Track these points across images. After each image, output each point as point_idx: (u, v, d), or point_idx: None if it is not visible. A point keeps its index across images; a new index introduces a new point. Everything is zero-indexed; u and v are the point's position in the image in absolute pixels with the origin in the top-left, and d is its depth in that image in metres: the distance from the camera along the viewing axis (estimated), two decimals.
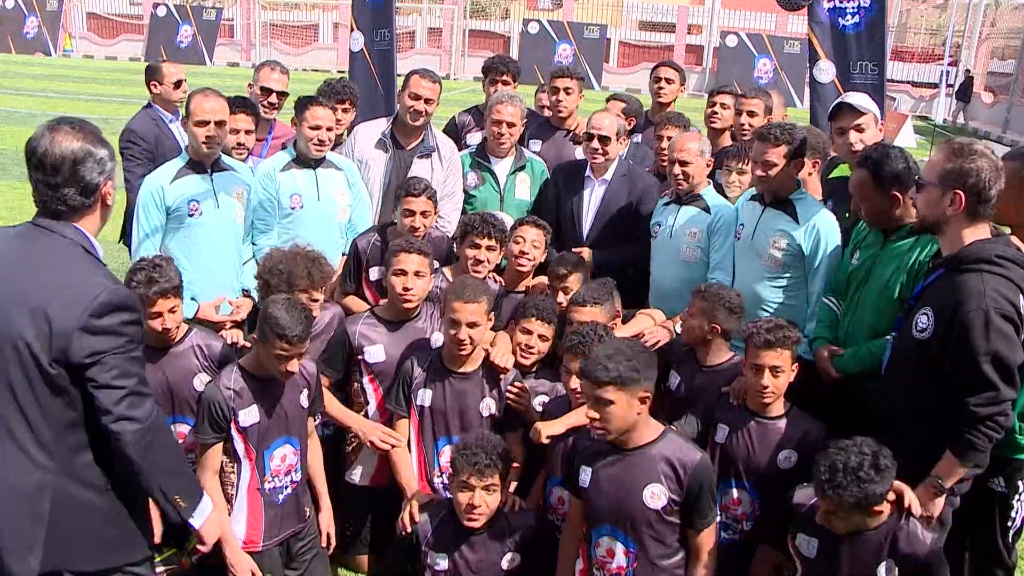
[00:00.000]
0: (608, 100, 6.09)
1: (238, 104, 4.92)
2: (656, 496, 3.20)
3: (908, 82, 32.97)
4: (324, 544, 3.92)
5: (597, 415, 3.14)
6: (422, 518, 3.60)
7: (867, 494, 2.93)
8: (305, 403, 3.74)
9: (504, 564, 3.52)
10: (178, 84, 5.92)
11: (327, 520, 3.92)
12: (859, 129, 4.25)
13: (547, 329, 4.04)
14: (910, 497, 3.09)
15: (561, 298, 4.24)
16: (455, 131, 6.02)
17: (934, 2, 45.70)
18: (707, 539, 3.30)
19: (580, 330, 3.73)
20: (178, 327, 3.80)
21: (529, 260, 4.48)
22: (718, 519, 3.51)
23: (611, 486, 3.26)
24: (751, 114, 5.32)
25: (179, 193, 4.39)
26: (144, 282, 3.59)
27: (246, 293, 4.56)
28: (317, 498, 3.93)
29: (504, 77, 5.94)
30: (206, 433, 3.52)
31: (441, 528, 3.55)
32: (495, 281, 4.54)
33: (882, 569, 3.10)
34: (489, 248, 4.29)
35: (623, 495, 3.24)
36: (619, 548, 3.29)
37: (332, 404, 4.03)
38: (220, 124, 4.40)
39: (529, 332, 4.03)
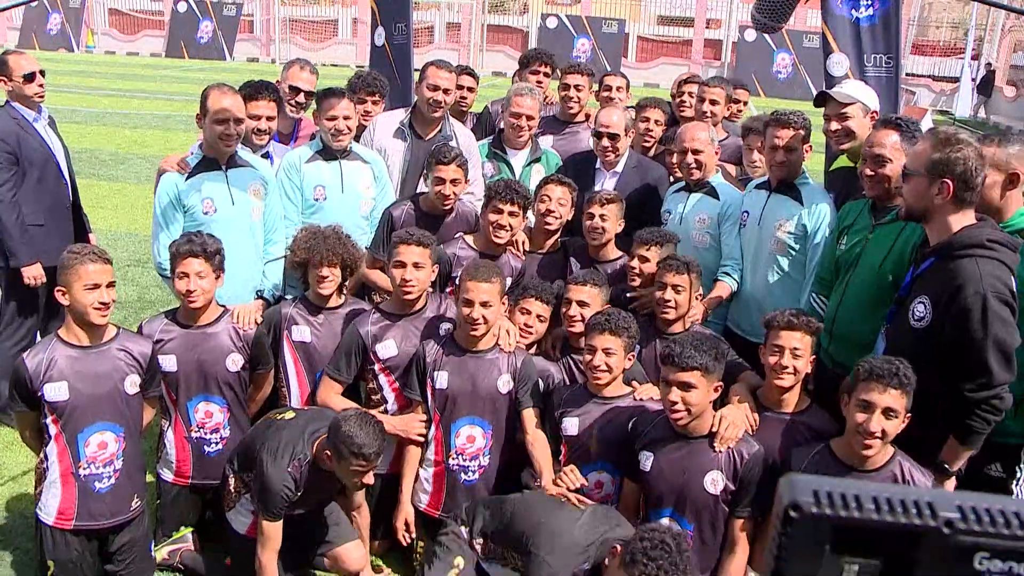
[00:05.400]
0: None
1: (260, 90, 4.82)
2: (716, 482, 3.40)
3: (929, 76, 32.69)
4: None
5: (678, 399, 3.31)
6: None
7: (902, 377, 3.02)
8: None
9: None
10: (30, 77, 5.29)
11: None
12: (842, 118, 4.24)
13: (545, 310, 4.14)
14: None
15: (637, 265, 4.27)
16: (488, 120, 6.09)
17: None
18: (744, 528, 3.43)
19: (606, 311, 3.84)
20: (206, 299, 3.91)
21: (556, 218, 4.55)
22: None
23: (673, 472, 3.44)
24: (713, 102, 5.47)
25: (193, 191, 4.37)
26: (183, 242, 3.83)
27: (259, 295, 4.54)
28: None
29: (544, 68, 5.99)
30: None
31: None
32: (515, 256, 4.62)
33: None
34: (511, 214, 4.36)
35: (685, 480, 3.42)
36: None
37: (351, 407, 4.09)
38: (238, 121, 4.35)
39: (528, 312, 4.13)
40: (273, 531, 3.61)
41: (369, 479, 3.55)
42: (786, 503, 0.76)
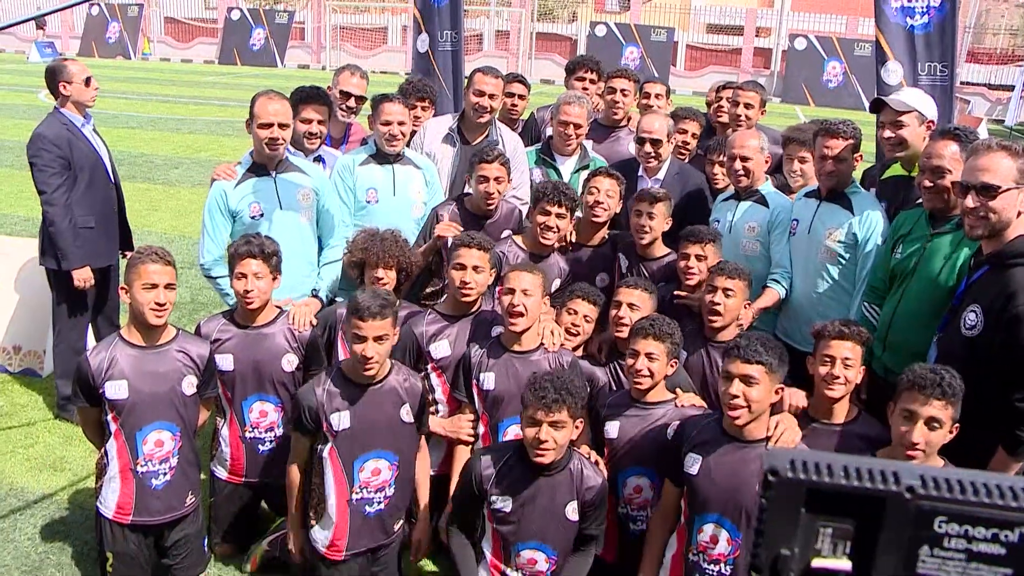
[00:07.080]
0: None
1: (310, 95, 4.96)
2: None
3: (984, 84, 31.99)
4: (413, 557, 4.00)
5: (739, 392, 3.22)
6: (486, 460, 3.55)
7: (946, 387, 2.94)
8: (408, 418, 3.71)
9: (569, 513, 3.50)
10: (88, 81, 5.50)
11: (422, 530, 3.97)
12: (897, 126, 4.18)
13: (592, 311, 4.15)
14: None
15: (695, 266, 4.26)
16: (535, 126, 6.14)
17: (1016, 1, 44.21)
18: None
19: (650, 316, 3.83)
20: (263, 300, 3.98)
21: (604, 210, 4.59)
22: None
23: (724, 475, 3.34)
24: (748, 106, 5.52)
25: (241, 196, 4.47)
26: (241, 243, 3.91)
27: (314, 294, 4.63)
28: (419, 507, 4.02)
29: (590, 74, 6.03)
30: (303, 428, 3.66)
31: (505, 471, 3.51)
32: (564, 259, 4.65)
33: None
34: (559, 216, 4.40)
35: (736, 485, 3.31)
36: (724, 535, 3.36)
37: None
38: (284, 126, 4.44)
39: (575, 312, 4.15)
40: (295, 442, 3.76)
41: (368, 351, 3.48)
42: (765, 469, 0.84)
